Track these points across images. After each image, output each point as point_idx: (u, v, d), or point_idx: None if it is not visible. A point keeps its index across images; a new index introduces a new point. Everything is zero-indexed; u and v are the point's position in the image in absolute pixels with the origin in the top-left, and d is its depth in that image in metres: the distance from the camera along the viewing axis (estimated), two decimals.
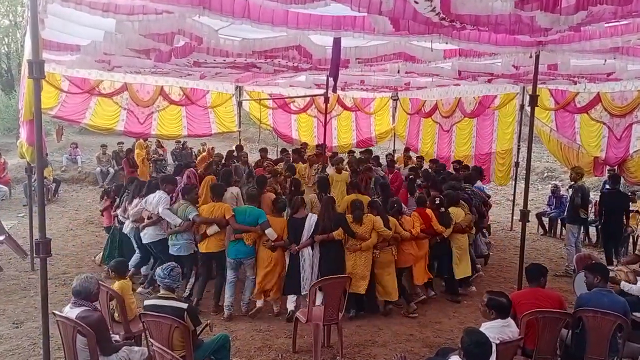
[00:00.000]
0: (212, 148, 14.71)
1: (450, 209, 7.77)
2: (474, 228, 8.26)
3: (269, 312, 7.03)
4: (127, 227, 7.85)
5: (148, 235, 7.35)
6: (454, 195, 7.99)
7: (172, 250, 7.10)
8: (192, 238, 7.15)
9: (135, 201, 7.81)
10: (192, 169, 9.84)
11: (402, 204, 7.64)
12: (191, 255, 7.22)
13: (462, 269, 7.83)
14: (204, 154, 13.48)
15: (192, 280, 7.31)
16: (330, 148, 14.61)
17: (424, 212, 7.49)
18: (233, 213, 6.87)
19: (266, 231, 6.68)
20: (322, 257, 6.78)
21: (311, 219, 6.82)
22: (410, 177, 9.37)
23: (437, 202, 7.65)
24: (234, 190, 8.18)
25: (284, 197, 7.85)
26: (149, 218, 7.34)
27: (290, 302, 6.90)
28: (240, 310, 7.03)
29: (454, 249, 7.78)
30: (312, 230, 6.75)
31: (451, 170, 10.89)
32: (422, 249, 7.39)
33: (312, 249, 6.80)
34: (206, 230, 6.92)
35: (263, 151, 12.10)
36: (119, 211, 8.21)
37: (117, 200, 8.56)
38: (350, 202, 7.35)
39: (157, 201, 7.22)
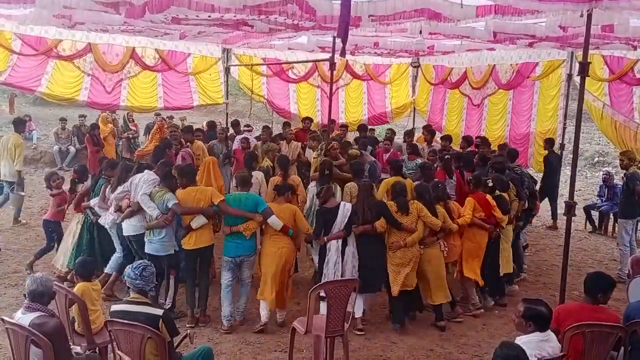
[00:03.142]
0: (164, 119, 14.55)
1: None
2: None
3: (260, 321, 6.94)
4: (108, 219, 7.55)
5: (130, 226, 7.16)
6: (503, 178, 8.09)
7: (147, 249, 6.92)
8: (174, 234, 6.99)
9: (120, 188, 7.49)
10: (187, 148, 9.76)
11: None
12: (171, 256, 7.01)
13: (506, 266, 8.00)
14: (155, 127, 13.29)
15: (171, 289, 7.16)
16: (337, 125, 14.58)
17: (482, 197, 7.61)
18: (223, 197, 6.84)
19: (269, 220, 6.67)
20: (360, 255, 6.89)
21: (345, 208, 6.88)
22: (446, 156, 9.49)
23: (490, 184, 7.76)
24: (258, 175, 8.12)
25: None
26: (128, 207, 7.13)
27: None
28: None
29: (503, 242, 7.89)
30: (345, 221, 6.80)
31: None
32: (481, 242, 7.55)
33: (344, 244, 6.85)
34: (190, 223, 6.80)
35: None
36: (93, 201, 7.86)
37: (87, 187, 8.21)
38: (390, 186, 7.41)
39: (142, 183, 7.02)
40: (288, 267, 6.88)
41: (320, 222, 6.91)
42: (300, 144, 11.29)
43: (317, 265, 7.40)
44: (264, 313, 6.85)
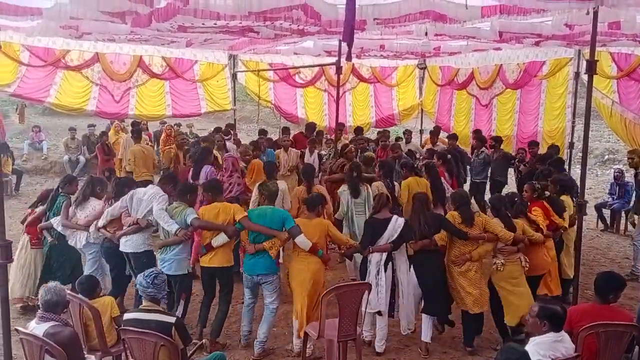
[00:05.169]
0: (171, 127, 14.53)
1: (562, 197, 7.65)
2: None
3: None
4: (82, 239, 7.15)
5: (132, 243, 6.70)
6: (565, 179, 7.91)
7: (160, 268, 6.21)
8: (189, 253, 6.71)
9: (93, 204, 7.19)
10: (232, 154, 9.61)
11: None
12: (184, 276, 6.60)
13: (569, 270, 7.69)
14: (163, 135, 13.26)
15: (180, 308, 6.60)
16: (346, 129, 14.59)
17: (543, 205, 7.26)
18: (245, 214, 6.41)
19: (297, 239, 6.15)
20: (419, 273, 6.51)
21: (396, 223, 6.45)
22: (449, 156, 9.65)
23: (539, 189, 7.49)
24: (281, 185, 7.83)
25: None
26: (134, 223, 6.67)
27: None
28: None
29: (566, 245, 7.63)
30: (395, 235, 6.40)
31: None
32: (552, 252, 7.20)
33: (388, 259, 6.44)
34: (211, 241, 6.41)
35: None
36: (54, 220, 7.26)
37: (46, 206, 7.59)
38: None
39: (150, 197, 6.62)
40: (319, 287, 6.23)
41: (369, 234, 6.46)
42: (299, 151, 11.01)
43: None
44: (296, 342, 6.40)
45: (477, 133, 12.85)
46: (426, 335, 6.46)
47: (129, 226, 6.71)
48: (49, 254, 7.48)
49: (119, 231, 6.81)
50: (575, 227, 6.83)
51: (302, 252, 6.27)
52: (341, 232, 7.58)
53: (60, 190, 7.53)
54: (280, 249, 6.58)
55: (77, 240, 7.20)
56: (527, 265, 6.54)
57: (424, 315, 6.50)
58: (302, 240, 6.15)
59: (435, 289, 6.42)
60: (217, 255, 6.44)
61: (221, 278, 6.60)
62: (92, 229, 7.06)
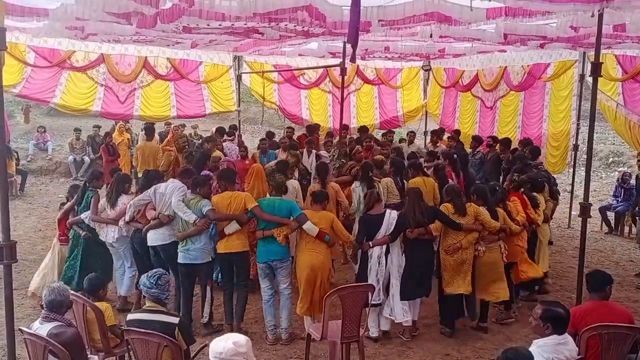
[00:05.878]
0: (177, 127, 14.49)
1: (535, 194, 7.90)
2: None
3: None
4: (114, 234, 7.31)
5: (159, 236, 6.88)
6: (537, 178, 8.14)
7: (183, 258, 6.66)
8: (211, 240, 6.78)
9: (122, 200, 7.35)
10: (228, 158, 9.73)
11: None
12: (208, 264, 6.83)
13: (543, 264, 8.02)
14: (169, 136, 13.30)
15: (207, 304, 6.84)
16: (350, 131, 14.58)
17: (521, 197, 7.59)
18: (257, 203, 6.68)
19: (304, 226, 6.44)
20: (409, 262, 6.75)
21: (390, 216, 6.70)
22: (455, 155, 9.73)
23: (516, 182, 7.81)
24: (294, 183, 8.11)
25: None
26: (155, 218, 6.87)
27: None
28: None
29: (540, 240, 7.87)
30: (391, 229, 6.62)
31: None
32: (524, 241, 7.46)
33: (387, 253, 6.70)
34: (224, 229, 6.65)
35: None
36: (84, 215, 7.45)
37: (74, 201, 7.78)
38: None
39: (170, 191, 6.84)
40: (325, 276, 6.56)
41: (364, 230, 6.73)
42: (299, 153, 10.84)
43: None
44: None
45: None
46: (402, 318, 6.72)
47: (154, 219, 6.92)
48: (87, 249, 7.63)
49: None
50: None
51: (309, 242, 6.52)
52: (352, 227, 8.11)
53: (87, 185, 7.71)
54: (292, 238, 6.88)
55: (108, 234, 7.39)
56: (507, 252, 6.99)
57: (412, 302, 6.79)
58: (309, 227, 6.43)
59: (422, 275, 6.77)
60: (232, 241, 6.67)
61: (237, 263, 6.82)
62: (121, 222, 7.22)
